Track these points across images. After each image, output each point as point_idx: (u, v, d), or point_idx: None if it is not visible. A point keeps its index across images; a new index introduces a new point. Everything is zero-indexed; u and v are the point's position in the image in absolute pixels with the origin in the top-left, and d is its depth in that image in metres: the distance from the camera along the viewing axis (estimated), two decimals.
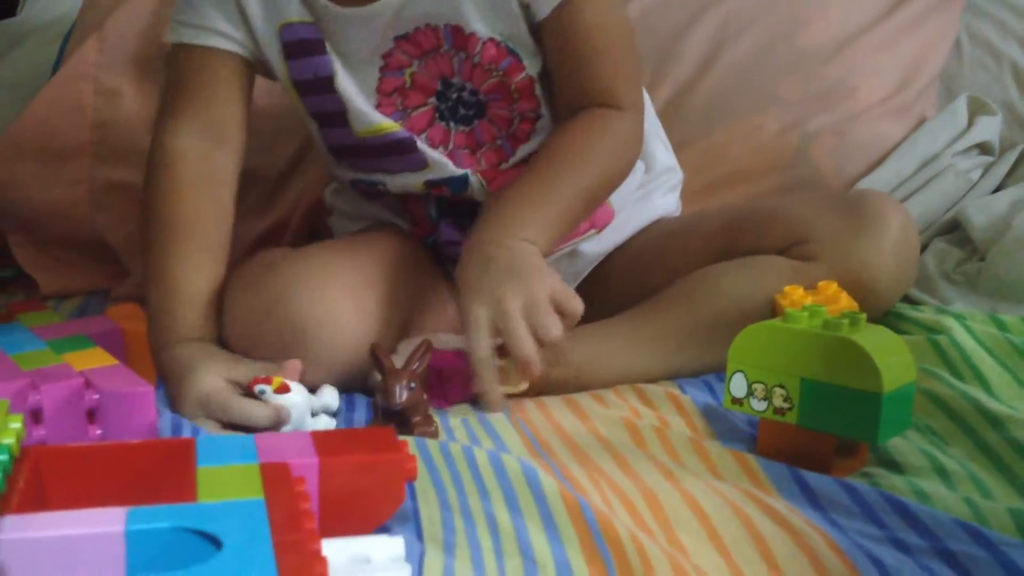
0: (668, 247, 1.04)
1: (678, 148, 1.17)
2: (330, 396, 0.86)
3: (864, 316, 0.77)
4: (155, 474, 0.62)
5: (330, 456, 0.64)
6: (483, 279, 0.87)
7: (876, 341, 0.75)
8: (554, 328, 0.84)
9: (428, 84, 0.98)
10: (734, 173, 1.27)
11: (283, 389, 0.83)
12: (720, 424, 0.84)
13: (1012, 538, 0.64)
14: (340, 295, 0.92)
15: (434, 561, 0.62)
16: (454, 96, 0.98)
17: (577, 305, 0.87)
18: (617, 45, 0.96)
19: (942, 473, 0.75)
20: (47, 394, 0.78)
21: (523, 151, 1.00)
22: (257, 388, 0.83)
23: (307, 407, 0.84)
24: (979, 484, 0.73)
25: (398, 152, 1.00)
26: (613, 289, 1.05)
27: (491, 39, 0.95)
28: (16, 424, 0.59)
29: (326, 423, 0.84)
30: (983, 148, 1.31)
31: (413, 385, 0.83)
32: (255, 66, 1.00)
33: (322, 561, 0.50)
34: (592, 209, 1.00)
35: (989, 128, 1.31)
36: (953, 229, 1.24)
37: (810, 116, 1.28)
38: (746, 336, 0.78)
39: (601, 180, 0.97)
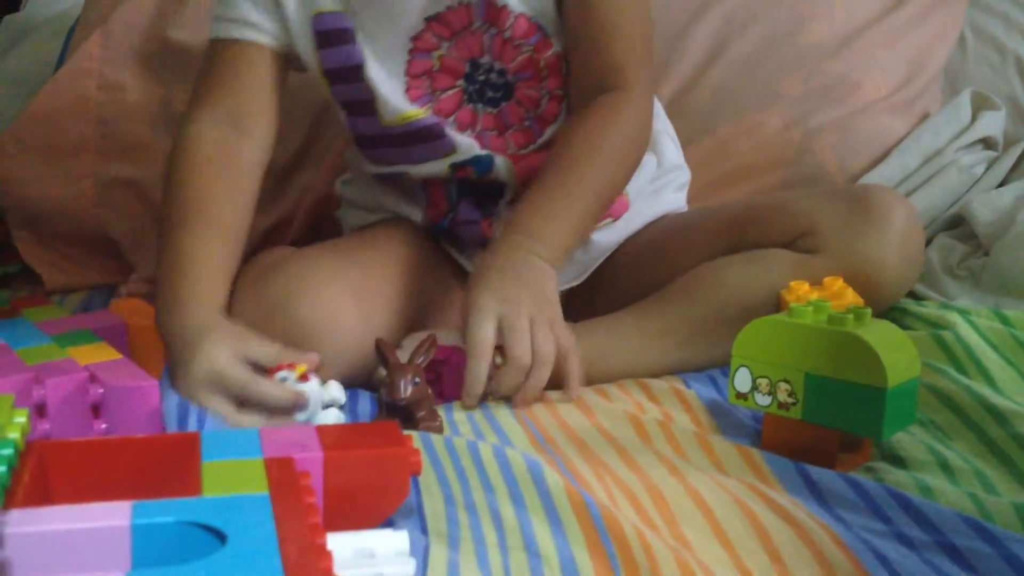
0: (673, 242, 1.04)
1: (682, 144, 1.17)
2: (337, 390, 0.86)
3: (869, 311, 0.77)
4: (160, 468, 0.62)
5: (335, 450, 0.64)
6: (503, 280, 0.88)
7: (881, 336, 0.75)
8: (551, 351, 0.86)
9: (456, 66, 0.99)
10: (737, 169, 1.27)
11: (304, 379, 0.82)
12: (724, 419, 0.84)
13: (1016, 533, 0.64)
14: (344, 297, 0.92)
15: (438, 555, 0.62)
16: (482, 78, 1.00)
17: (569, 343, 0.88)
18: (633, 25, 0.98)
19: (946, 468, 0.75)
20: (52, 388, 0.78)
21: (550, 132, 1.02)
22: (280, 375, 0.82)
23: (320, 399, 0.84)
24: (983, 479, 0.73)
25: (425, 139, 1.01)
26: (619, 283, 1.05)
27: (522, 14, 0.97)
28: (21, 418, 0.59)
29: (336, 416, 0.85)
30: (987, 143, 1.31)
31: (418, 380, 0.83)
32: (286, 58, 1.00)
33: (327, 555, 0.50)
34: (609, 206, 1.01)
35: (993, 123, 1.31)
36: (957, 224, 1.24)
37: (813, 112, 1.28)
38: (750, 331, 0.78)
39: (616, 177, 0.99)
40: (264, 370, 0.83)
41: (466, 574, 0.60)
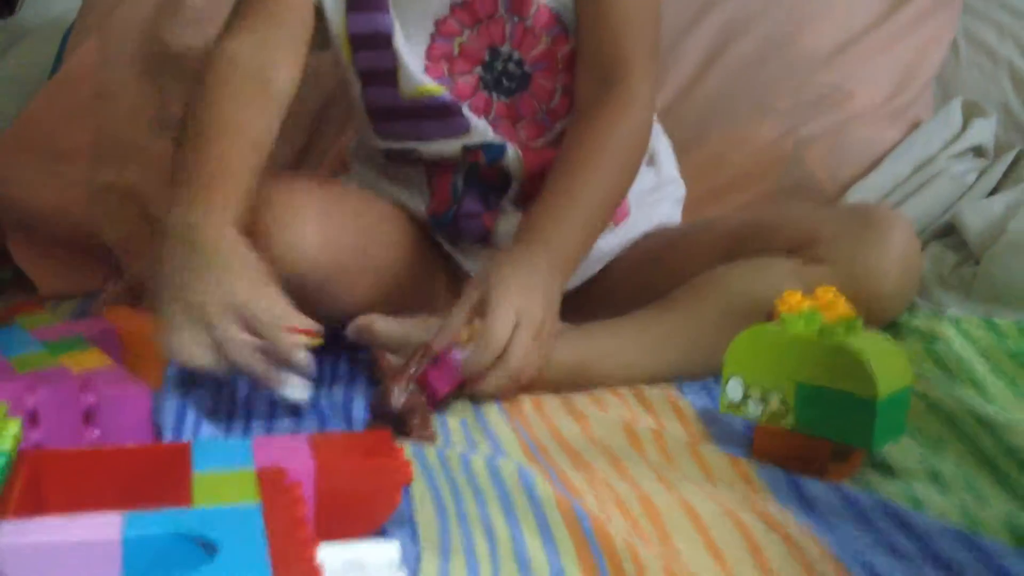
0: (672, 252, 1.05)
1: (676, 154, 1.17)
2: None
3: (860, 322, 0.77)
4: (151, 478, 0.62)
5: (326, 460, 0.64)
6: (519, 280, 0.89)
7: (872, 347, 0.75)
8: (536, 367, 0.88)
9: (475, 54, 1.02)
10: (730, 180, 1.27)
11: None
12: (717, 428, 0.85)
13: (1005, 545, 0.65)
14: (309, 207, 0.94)
15: (430, 565, 0.62)
16: (500, 67, 1.02)
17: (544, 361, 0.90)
18: (644, 21, 1.00)
19: (937, 478, 0.75)
20: (44, 396, 0.78)
21: (560, 126, 1.03)
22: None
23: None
24: (973, 490, 0.74)
25: (441, 116, 1.02)
26: (615, 293, 1.06)
27: (545, 5, 1.00)
28: (14, 428, 0.59)
29: (303, 388, 0.84)
30: (978, 151, 1.32)
31: (412, 388, 0.83)
32: (318, 15, 1.01)
33: (316, 569, 0.50)
34: (615, 210, 1.02)
35: (983, 131, 1.31)
36: (948, 233, 1.25)
37: (805, 122, 1.29)
38: (742, 341, 0.79)
39: (621, 182, 1.00)
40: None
41: None
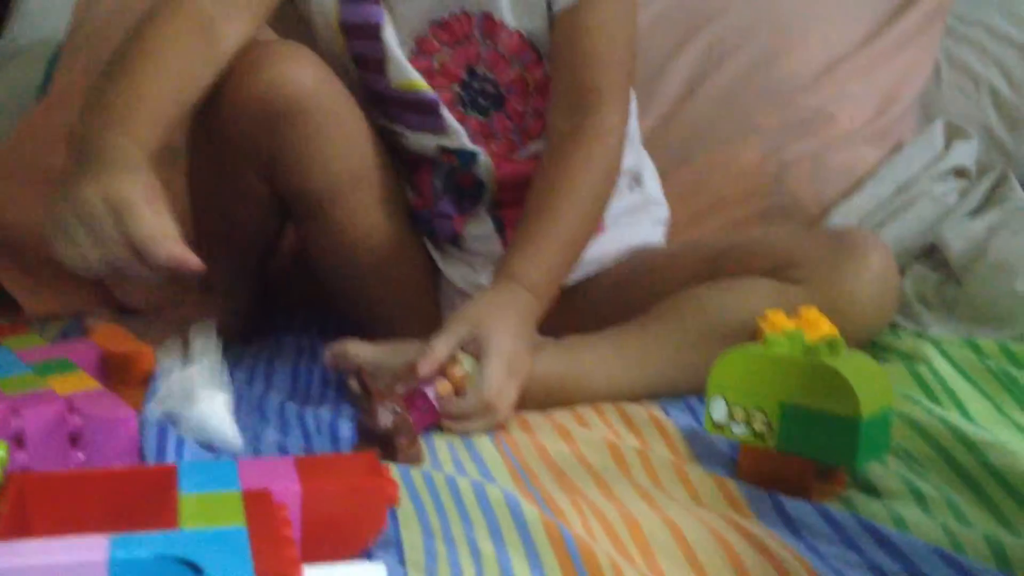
0: (653, 274, 1.06)
1: (659, 177, 1.18)
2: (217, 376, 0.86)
3: (843, 341, 0.78)
4: (138, 501, 0.62)
5: (312, 482, 0.64)
6: (492, 313, 0.91)
7: (854, 366, 0.75)
8: (509, 409, 0.89)
9: (454, 71, 1.04)
10: (713, 202, 1.28)
11: None
12: (701, 447, 0.85)
13: (987, 565, 0.65)
14: (307, 53, 0.98)
15: None
16: (477, 86, 1.04)
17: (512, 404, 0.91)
18: (616, 52, 1.01)
19: (919, 498, 0.76)
20: (29, 419, 0.77)
21: (532, 147, 1.05)
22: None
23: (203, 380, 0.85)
24: (956, 509, 0.74)
25: (423, 112, 1.04)
26: (598, 311, 1.06)
27: (517, 32, 1.02)
28: (0, 451, 0.59)
29: (223, 404, 0.84)
30: (960, 173, 1.33)
31: (398, 408, 0.83)
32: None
33: None
34: (588, 241, 1.02)
35: (965, 153, 1.33)
36: (930, 253, 1.25)
37: (788, 144, 1.30)
38: (726, 361, 0.79)
39: (593, 214, 1.02)
40: None
41: None
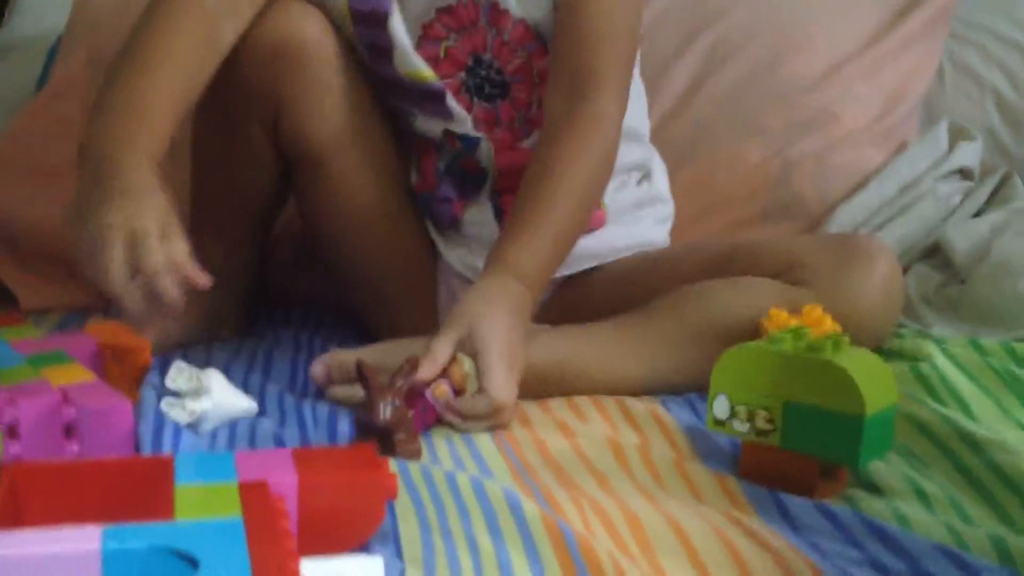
0: (656, 274, 1.05)
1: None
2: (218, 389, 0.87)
3: (847, 339, 0.77)
4: (133, 492, 0.61)
5: (309, 474, 0.63)
6: (510, 319, 0.90)
7: (858, 364, 0.75)
8: (514, 405, 0.88)
9: (460, 58, 1.05)
10: (718, 200, 1.28)
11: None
12: (703, 444, 0.84)
13: (990, 563, 0.64)
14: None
15: None
16: (482, 73, 1.05)
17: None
18: (618, 37, 1.00)
19: (922, 496, 0.75)
20: (24, 409, 0.77)
21: (536, 135, 1.05)
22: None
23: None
24: (959, 508, 0.73)
25: (430, 100, 1.06)
26: (599, 310, 1.05)
27: (522, 20, 1.02)
28: None
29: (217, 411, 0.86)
30: (963, 173, 1.33)
31: (398, 403, 0.83)
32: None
33: None
34: (584, 228, 1.02)
35: (969, 154, 1.32)
36: (934, 253, 1.25)
37: (793, 143, 1.29)
38: (729, 358, 0.79)
39: (588, 201, 1.00)
40: None
41: None
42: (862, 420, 0.72)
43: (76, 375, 0.83)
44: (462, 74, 1.05)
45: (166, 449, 0.78)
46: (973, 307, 1.11)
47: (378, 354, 0.94)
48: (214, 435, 0.86)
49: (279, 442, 0.84)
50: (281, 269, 1.24)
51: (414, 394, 0.86)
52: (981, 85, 1.42)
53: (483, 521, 0.69)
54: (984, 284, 1.12)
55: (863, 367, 0.75)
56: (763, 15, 1.39)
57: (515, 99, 1.05)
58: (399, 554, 0.65)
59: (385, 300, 1.11)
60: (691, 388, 0.95)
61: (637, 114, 1.11)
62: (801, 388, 0.75)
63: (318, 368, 0.94)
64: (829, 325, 0.88)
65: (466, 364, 0.89)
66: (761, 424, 0.77)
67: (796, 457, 0.76)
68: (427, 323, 1.04)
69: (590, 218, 1.03)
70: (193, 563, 0.50)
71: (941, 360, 0.94)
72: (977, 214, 1.29)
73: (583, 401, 0.93)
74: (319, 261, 1.16)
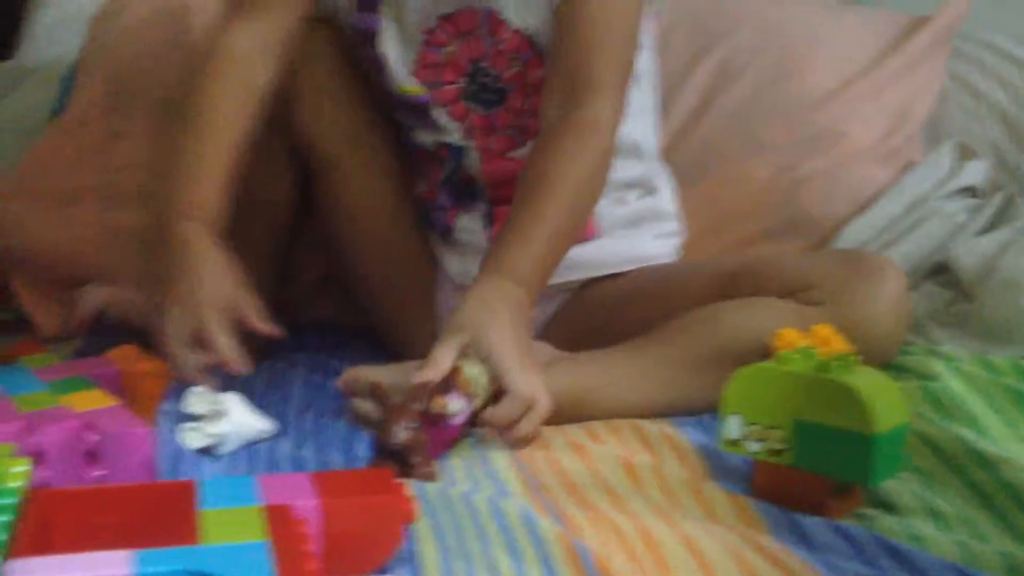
0: (666, 288, 1.06)
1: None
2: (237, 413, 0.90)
3: (856, 358, 0.78)
4: (157, 516, 0.62)
5: (330, 498, 0.64)
6: (483, 315, 0.90)
7: (868, 383, 0.76)
8: (546, 396, 0.88)
9: (461, 64, 1.08)
10: (725, 218, 1.29)
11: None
12: (716, 464, 0.85)
13: None
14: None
15: None
16: (481, 80, 1.08)
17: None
18: (615, 43, 1.01)
19: (935, 515, 0.76)
20: (47, 436, 0.78)
21: (531, 144, 1.05)
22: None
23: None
24: (971, 526, 0.74)
25: (418, 112, 1.11)
26: (606, 330, 1.06)
27: (519, 30, 1.05)
28: (23, 467, 0.59)
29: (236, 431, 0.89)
30: (970, 191, 1.33)
31: (413, 425, 0.83)
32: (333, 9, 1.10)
33: None
34: (577, 233, 1.01)
35: (975, 172, 1.33)
36: (941, 271, 1.26)
37: (799, 161, 1.30)
38: (740, 378, 0.79)
39: (581, 207, 1.00)
40: None
41: None
42: (872, 439, 0.73)
43: (98, 401, 0.84)
44: (463, 80, 1.09)
45: (185, 474, 0.79)
46: (981, 325, 1.11)
47: (395, 373, 0.95)
48: (234, 457, 0.87)
49: (298, 464, 0.85)
50: (299, 291, 1.25)
51: (428, 420, 0.87)
52: (984, 103, 1.43)
53: (502, 542, 0.69)
54: (992, 301, 1.12)
55: (873, 386, 0.76)
56: (769, 35, 1.40)
57: (510, 107, 1.08)
58: None
59: (392, 308, 1.15)
60: (710, 411, 0.95)
61: (641, 129, 1.12)
62: (812, 408, 0.76)
63: (341, 383, 0.97)
64: (839, 344, 0.89)
65: (474, 370, 0.88)
66: (774, 443, 0.78)
67: (809, 476, 0.77)
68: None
69: (585, 222, 1.03)
70: None
71: (951, 378, 0.95)
72: (984, 232, 1.30)
73: (596, 424, 0.94)
74: (337, 278, 1.21)
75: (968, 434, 0.85)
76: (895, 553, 0.68)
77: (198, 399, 0.89)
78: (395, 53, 1.09)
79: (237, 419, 0.88)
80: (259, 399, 1.00)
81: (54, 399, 0.85)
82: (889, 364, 1.01)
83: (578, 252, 1.06)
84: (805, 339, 0.89)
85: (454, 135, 1.10)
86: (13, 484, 0.58)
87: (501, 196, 1.09)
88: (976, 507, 0.77)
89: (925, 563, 0.67)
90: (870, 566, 0.68)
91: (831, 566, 0.68)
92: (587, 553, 0.67)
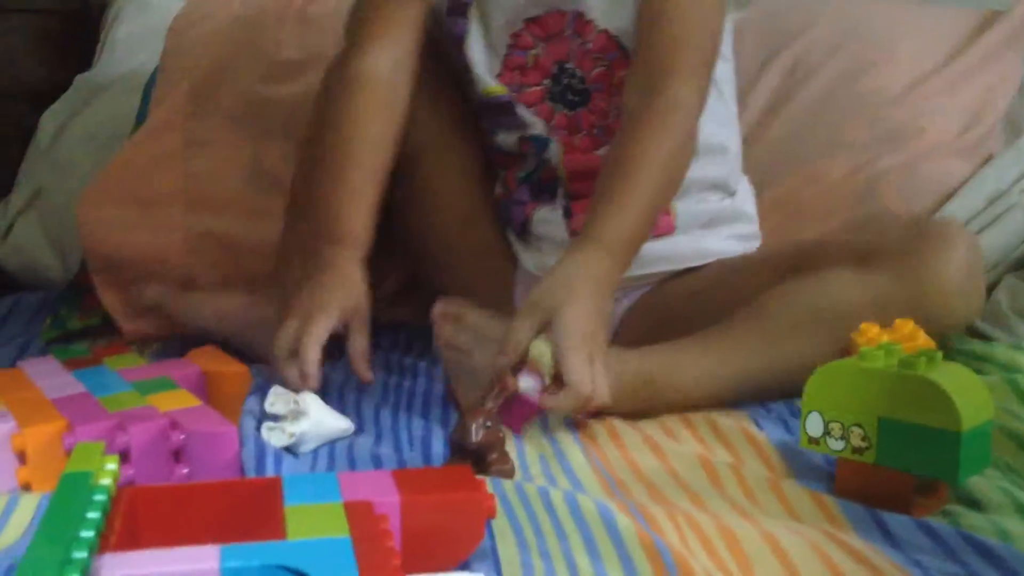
0: (733, 280, 1.06)
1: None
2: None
3: (940, 354, 0.77)
4: (244, 512, 0.64)
5: (411, 494, 0.65)
6: (589, 299, 0.90)
7: (953, 379, 0.74)
8: (607, 388, 0.88)
9: (546, 66, 1.10)
10: (803, 216, 1.27)
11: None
12: (796, 462, 0.84)
13: None
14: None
15: None
16: (566, 81, 1.09)
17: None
18: (695, 35, 1.02)
19: (1022, 511, 0.74)
20: (135, 435, 0.80)
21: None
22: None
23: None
24: None
25: (503, 113, 1.13)
26: (677, 324, 1.06)
27: (605, 30, 1.06)
28: (113, 465, 0.61)
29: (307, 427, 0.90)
30: None
31: (489, 424, 0.84)
32: (433, 13, 1.12)
33: None
34: (661, 209, 1.02)
35: None
36: (1023, 265, 1.23)
37: (878, 157, 1.29)
38: (822, 375, 0.78)
39: (665, 184, 1.00)
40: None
41: None
42: (959, 436, 0.72)
43: (183, 400, 0.86)
44: (547, 81, 1.10)
45: (269, 471, 0.81)
46: None
47: (485, 315, 0.99)
48: (315, 455, 0.88)
49: (376, 461, 0.86)
50: (380, 295, 1.27)
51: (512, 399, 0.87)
52: None
53: (580, 539, 0.69)
54: None
55: (958, 382, 0.74)
56: (844, 31, 1.39)
57: (594, 107, 1.09)
58: (499, 573, 0.66)
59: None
60: (784, 391, 0.94)
61: (727, 134, 1.13)
62: (895, 405, 0.75)
63: (435, 311, 1.00)
64: (922, 340, 0.88)
65: (533, 348, 0.89)
66: (856, 441, 0.77)
67: (892, 474, 0.76)
68: None
69: (669, 202, 1.04)
70: None
71: None
72: None
73: (672, 419, 0.94)
74: (417, 279, 1.24)
75: None
76: (983, 550, 0.67)
77: (278, 399, 0.91)
78: (481, 57, 1.11)
79: (316, 418, 0.89)
80: (336, 398, 1.02)
81: (141, 398, 0.87)
82: (973, 356, 0.99)
83: (656, 247, 1.06)
84: (887, 334, 0.88)
85: (537, 128, 1.11)
86: (104, 482, 0.59)
87: (581, 191, 1.09)
88: None
89: (1014, 559, 0.65)
90: (958, 563, 0.66)
91: (918, 563, 0.67)
92: (667, 550, 0.66)
